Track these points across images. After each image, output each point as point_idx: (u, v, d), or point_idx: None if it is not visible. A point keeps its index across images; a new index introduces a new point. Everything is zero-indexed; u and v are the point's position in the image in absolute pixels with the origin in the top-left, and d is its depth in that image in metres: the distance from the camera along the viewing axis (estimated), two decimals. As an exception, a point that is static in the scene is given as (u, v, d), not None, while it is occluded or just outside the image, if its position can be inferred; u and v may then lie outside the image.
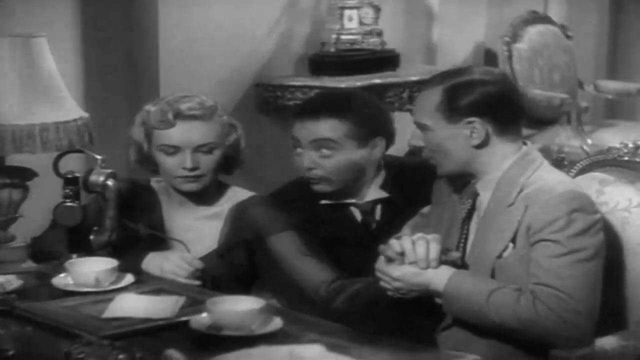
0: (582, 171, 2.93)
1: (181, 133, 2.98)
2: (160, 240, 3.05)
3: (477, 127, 2.63)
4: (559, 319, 2.45)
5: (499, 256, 2.60)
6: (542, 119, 5.82)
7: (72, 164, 3.07)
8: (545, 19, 6.14)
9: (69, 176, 2.97)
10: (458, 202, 2.78)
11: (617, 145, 2.90)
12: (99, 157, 2.98)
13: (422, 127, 2.70)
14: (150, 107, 3.04)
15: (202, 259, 2.98)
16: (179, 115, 2.97)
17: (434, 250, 2.58)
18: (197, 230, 3.07)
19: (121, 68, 4.48)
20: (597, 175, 2.86)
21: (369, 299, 2.70)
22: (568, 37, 6.17)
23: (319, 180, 3.14)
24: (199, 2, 4.60)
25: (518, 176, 2.63)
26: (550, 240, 2.51)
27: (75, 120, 3.12)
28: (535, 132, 5.80)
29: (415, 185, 3.11)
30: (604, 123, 6.14)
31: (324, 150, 3.10)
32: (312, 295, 2.93)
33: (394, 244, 2.60)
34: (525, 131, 5.58)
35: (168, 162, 3.00)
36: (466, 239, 2.73)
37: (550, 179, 2.62)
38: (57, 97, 3.15)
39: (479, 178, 2.69)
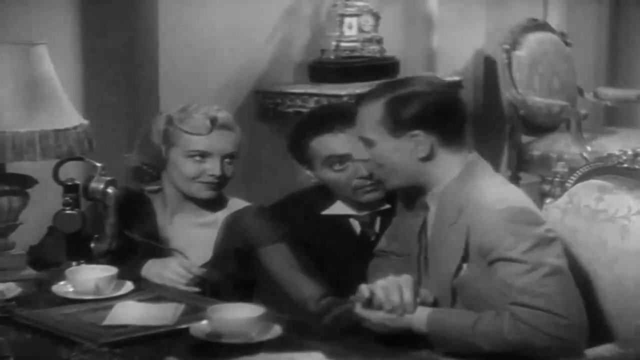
0: (581, 178, 2.93)
1: (215, 140, 3.01)
2: (158, 248, 3.05)
3: (422, 139, 2.61)
4: (545, 335, 2.44)
5: (456, 276, 2.60)
6: (541, 126, 5.84)
7: (72, 171, 3.07)
8: (544, 27, 6.15)
9: (69, 183, 2.98)
10: (412, 216, 2.77)
11: (617, 153, 2.90)
12: (98, 164, 2.99)
13: (366, 141, 2.68)
14: (175, 113, 3.05)
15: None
16: (214, 123, 3.01)
17: (408, 295, 2.55)
18: (192, 239, 3.08)
19: (121, 75, 4.48)
20: (596, 182, 2.86)
21: (357, 319, 2.68)
22: (567, 44, 6.17)
23: (377, 187, 3.07)
24: (199, 9, 4.60)
25: (458, 192, 2.60)
26: (507, 259, 2.49)
27: (75, 127, 3.11)
28: (535, 139, 5.82)
29: (416, 197, 3.10)
30: (604, 130, 6.14)
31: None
32: (301, 309, 2.93)
33: (364, 290, 2.57)
34: (525, 138, 5.75)
35: (193, 167, 3.02)
36: (426, 252, 2.72)
37: (489, 195, 2.56)
38: (57, 104, 3.15)
39: (428, 191, 2.68)
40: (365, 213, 3.17)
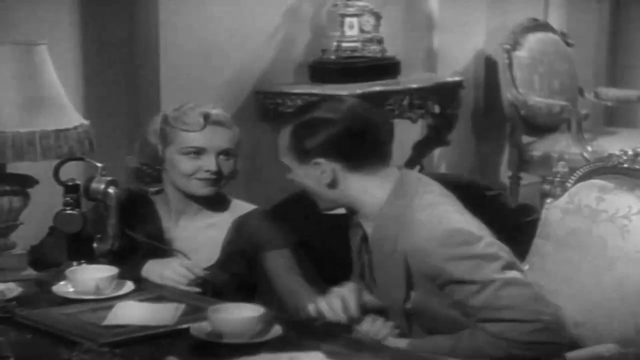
0: (582, 178, 2.93)
1: (209, 136, 3.02)
2: (160, 249, 3.05)
3: (324, 167, 2.60)
4: (522, 344, 2.43)
5: (406, 302, 2.59)
6: (542, 127, 5.84)
7: (73, 171, 3.07)
8: (545, 27, 6.15)
9: (70, 184, 2.98)
10: (352, 234, 2.78)
11: (617, 153, 2.90)
12: (99, 164, 2.99)
13: (284, 166, 2.70)
14: (170, 112, 3.07)
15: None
16: (207, 119, 3.02)
17: (351, 303, 2.59)
18: (197, 241, 3.08)
19: (122, 75, 4.48)
20: (596, 182, 2.86)
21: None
22: (568, 44, 6.17)
23: None
24: (199, 9, 4.60)
25: (391, 216, 2.58)
26: (456, 282, 2.47)
27: (75, 127, 3.12)
28: (536, 140, 5.82)
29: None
30: (604, 130, 6.14)
31: None
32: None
33: (310, 309, 2.61)
34: (525, 138, 5.75)
35: (189, 164, 3.02)
36: (369, 271, 2.71)
37: (421, 220, 2.53)
38: (57, 104, 3.15)
39: (356, 211, 2.67)
40: None
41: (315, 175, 2.63)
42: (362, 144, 2.61)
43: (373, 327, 2.61)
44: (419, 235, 2.50)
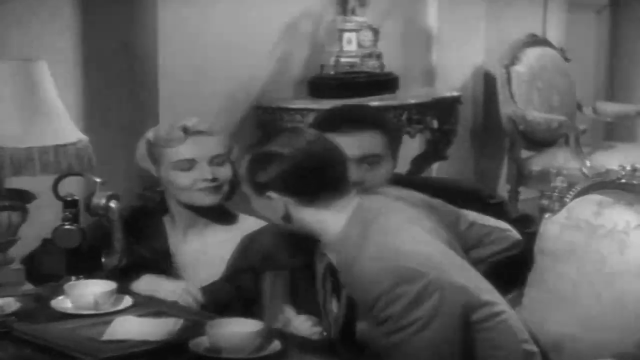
0: (580, 193, 2.93)
1: (194, 146, 3.04)
2: (166, 265, 3.06)
3: (277, 202, 2.61)
4: None
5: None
6: (540, 142, 5.84)
7: (71, 186, 3.07)
8: (543, 42, 6.16)
9: (69, 199, 2.99)
10: (318, 260, 2.77)
11: (615, 168, 2.90)
12: (98, 179, 2.99)
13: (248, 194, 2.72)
14: (151, 135, 3.10)
15: (209, 285, 2.99)
16: (187, 131, 3.04)
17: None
18: (206, 255, 3.09)
19: (121, 91, 4.48)
20: (595, 197, 2.86)
21: None
22: (566, 59, 6.18)
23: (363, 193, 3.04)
24: (198, 25, 4.61)
25: (349, 248, 2.55)
26: (382, 319, 2.46)
27: (74, 143, 3.12)
28: (534, 154, 5.83)
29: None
30: (603, 145, 6.13)
31: (367, 164, 2.99)
32: None
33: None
34: (524, 153, 5.75)
35: (184, 177, 3.04)
36: (333, 296, 2.72)
37: (370, 253, 2.51)
38: (56, 120, 3.16)
39: (318, 239, 2.67)
40: None
41: (270, 208, 2.64)
42: (312, 180, 2.61)
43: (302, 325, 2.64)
44: (364, 268, 2.49)
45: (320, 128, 2.98)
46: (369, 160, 2.98)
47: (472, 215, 2.85)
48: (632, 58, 6.93)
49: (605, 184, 2.89)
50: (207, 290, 2.99)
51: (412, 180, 3.36)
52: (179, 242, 3.13)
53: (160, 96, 4.48)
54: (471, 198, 3.10)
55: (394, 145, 3.07)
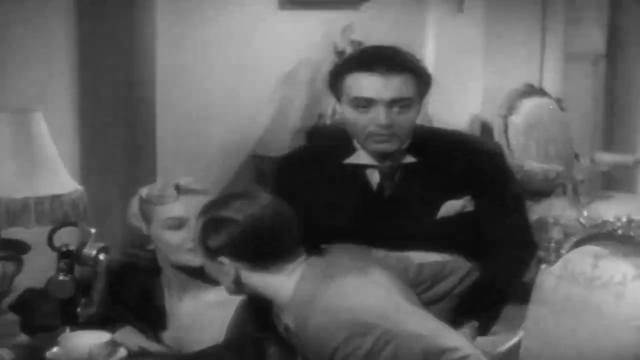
0: (576, 245, 2.93)
1: (186, 205, 3.01)
2: (162, 326, 3.04)
3: (227, 267, 2.62)
4: None
5: None
6: (538, 192, 5.82)
7: (66, 236, 3.07)
8: (540, 92, 6.18)
9: (64, 249, 2.98)
10: (276, 322, 2.77)
11: (611, 219, 2.90)
12: (92, 230, 2.99)
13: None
14: (144, 192, 3.09)
15: (208, 350, 2.96)
16: (180, 190, 3.03)
17: None
18: (204, 317, 3.05)
19: (118, 138, 4.48)
20: (591, 249, 2.87)
21: None
22: (563, 109, 6.20)
23: (390, 138, 2.95)
24: (197, 72, 4.62)
25: (300, 309, 2.57)
26: None
27: (70, 193, 3.13)
28: (532, 204, 5.80)
29: (444, 152, 3.01)
30: (601, 195, 6.13)
31: (397, 107, 2.93)
32: None
33: None
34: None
35: (175, 236, 3.02)
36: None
37: (322, 309, 2.53)
38: (52, 170, 3.16)
39: (271, 303, 2.68)
40: (387, 164, 3.03)
41: (222, 272, 2.65)
42: (265, 246, 2.62)
43: None
44: (318, 324, 2.50)
45: (352, 67, 2.96)
46: (400, 103, 2.92)
47: (418, 257, 2.85)
48: (629, 108, 6.95)
49: (601, 236, 2.90)
50: (205, 355, 2.95)
51: (432, 129, 3.29)
52: (174, 303, 3.10)
53: (158, 145, 4.48)
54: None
55: (424, 90, 3.01)
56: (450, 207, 2.96)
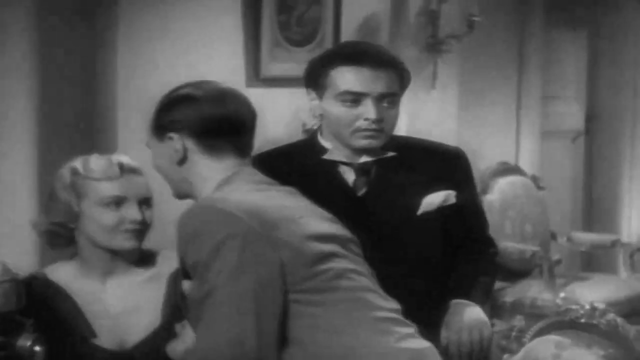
0: (539, 333, 2.88)
1: (127, 184, 2.88)
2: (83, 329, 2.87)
3: (176, 143, 2.57)
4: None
5: None
6: (514, 272, 5.76)
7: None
8: (516, 170, 6.14)
9: (-1, 341, 2.86)
10: None
11: (574, 307, 2.83)
12: (28, 320, 2.86)
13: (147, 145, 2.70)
14: (79, 165, 2.92)
15: (146, 339, 2.84)
16: (123, 168, 2.90)
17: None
18: (135, 298, 2.90)
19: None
20: (553, 338, 2.82)
21: None
22: (540, 188, 6.15)
23: (378, 134, 2.93)
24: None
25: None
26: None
27: (2, 282, 3.01)
28: (508, 285, 5.74)
29: (416, 151, 3.01)
30: (578, 276, 6.08)
31: (385, 103, 2.91)
32: None
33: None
34: (497, 284, 5.63)
35: (111, 216, 2.86)
36: None
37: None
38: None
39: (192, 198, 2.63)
40: (366, 160, 2.99)
41: (167, 153, 2.60)
42: (218, 127, 2.58)
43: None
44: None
45: (338, 61, 2.94)
46: (388, 99, 2.92)
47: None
48: (608, 187, 6.90)
49: (564, 324, 2.84)
50: (148, 343, 2.84)
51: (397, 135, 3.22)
52: (96, 289, 2.93)
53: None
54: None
55: (404, 88, 3.00)
56: (431, 200, 2.94)
